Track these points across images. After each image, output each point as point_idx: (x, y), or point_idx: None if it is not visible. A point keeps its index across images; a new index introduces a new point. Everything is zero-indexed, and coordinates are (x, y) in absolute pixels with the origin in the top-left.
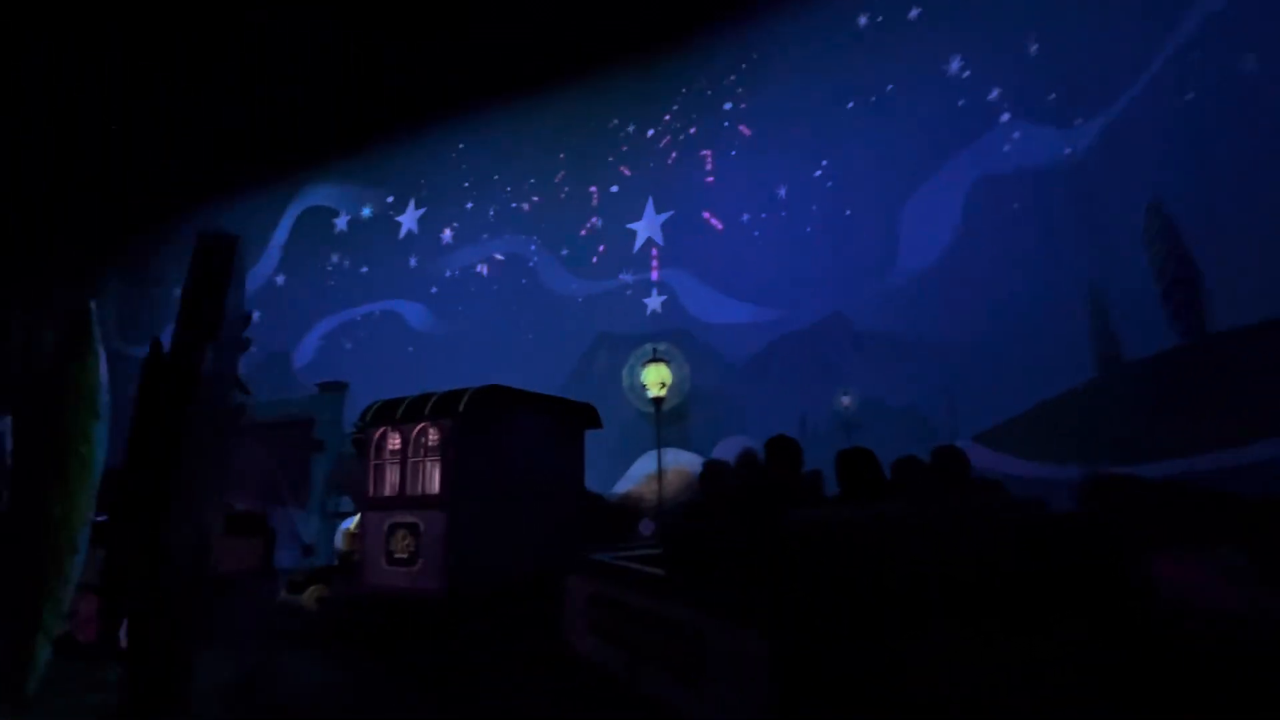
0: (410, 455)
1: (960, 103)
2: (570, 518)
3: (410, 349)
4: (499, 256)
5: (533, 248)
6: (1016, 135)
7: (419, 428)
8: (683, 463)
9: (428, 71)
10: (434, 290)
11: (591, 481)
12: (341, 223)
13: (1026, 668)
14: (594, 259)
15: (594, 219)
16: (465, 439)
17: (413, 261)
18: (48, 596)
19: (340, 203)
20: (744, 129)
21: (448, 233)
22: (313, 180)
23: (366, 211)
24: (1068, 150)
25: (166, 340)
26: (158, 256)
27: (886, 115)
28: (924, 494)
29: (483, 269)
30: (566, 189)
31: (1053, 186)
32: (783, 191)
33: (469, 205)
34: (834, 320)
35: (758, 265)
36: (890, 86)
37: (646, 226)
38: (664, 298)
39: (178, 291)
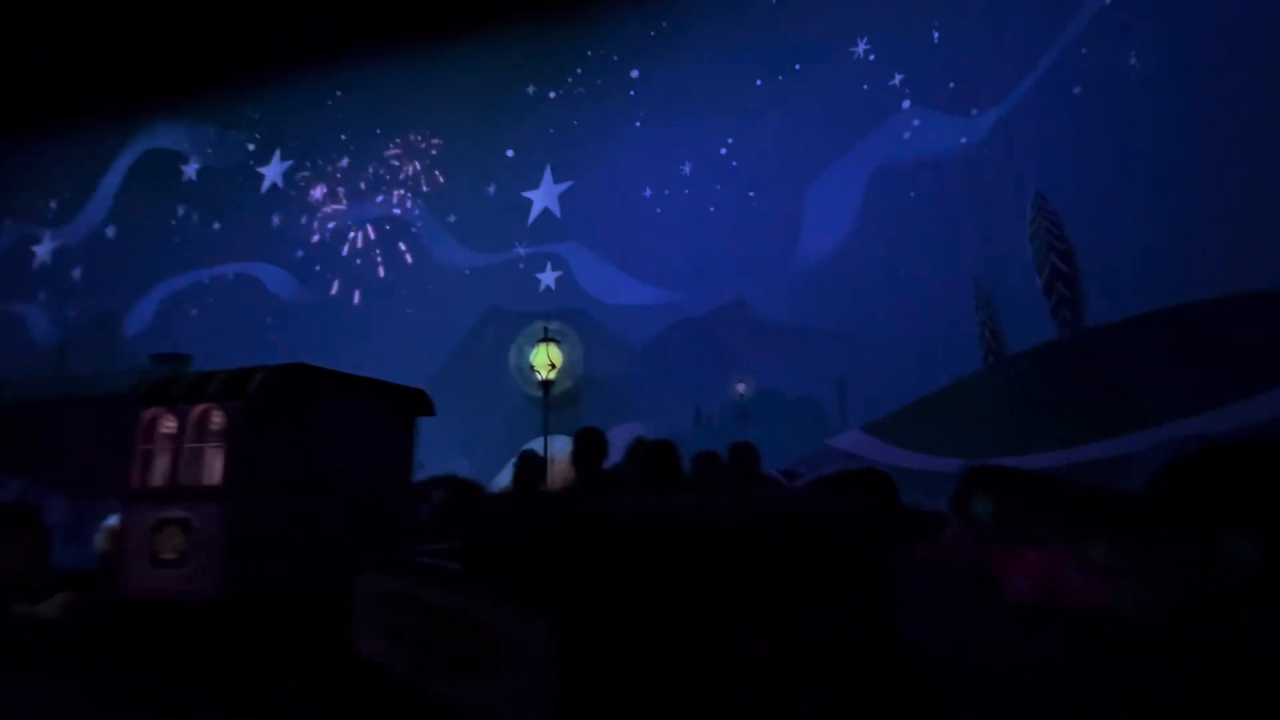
0: (187, 440)
1: (865, 86)
2: (398, 513)
3: (269, 319)
4: (377, 219)
5: (417, 212)
6: (916, 123)
7: (200, 410)
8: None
9: (304, 4)
10: (300, 254)
11: (472, 470)
12: (191, 170)
13: (790, 658)
14: (484, 228)
15: (487, 185)
16: (257, 424)
17: (276, 220)
18: None
19: (191, 146)
20: (650, 99)
21: (319, 190)
22: (159, 117)
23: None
24: (963, 140)
25: None
26: None
27: (793, 95)
28: (718, 486)
29: (357, 233)
30: (457, 150)
31: (947, 176)
32: (687, 168)
33: (344, 161)
34: (734, 306)
35: (659, 244)
36: (798, 65)
37: (543, 196)
38: (559, 273)
39: None
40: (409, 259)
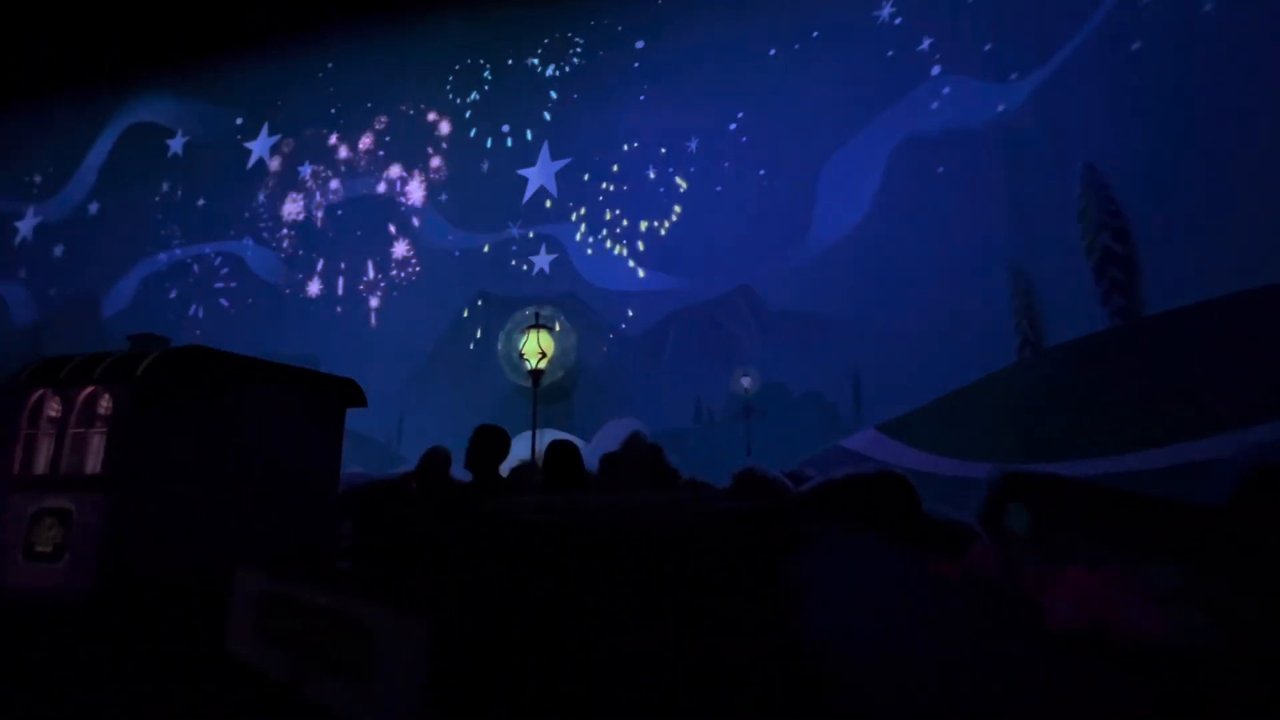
0: (72, 425)
1: (889, 53)
2: (322, 506)
3: (250, 300)
4: (364, 197)
5: (407, 190)
6: (946, 91)
7: (88, 392)
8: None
9: None
10: (284, 232)
11: (457, 465)
12: (177, 144)
13: (671, 658)
14: (477, 208)
15: (481, 162)
16: (146, 409)
17: (261, 197)
18: None
19: (177, 120)
20: (655, 72)
21: (306, 166)
22: (146, 89)
23: (205, 133)
24: (1000, 108)
25: None
26: None
27: (810, 65)
28: (622, 487)
29: (343, 212)
30: (451, 126)
31: (980, 149)
32: (693, 144)
33: (333, 136)
34: (740, 294)
35: (660, 227)
36: (816, 33)
37: (539, 174)
38: (553, 256)
39: None
40: (397, 240)
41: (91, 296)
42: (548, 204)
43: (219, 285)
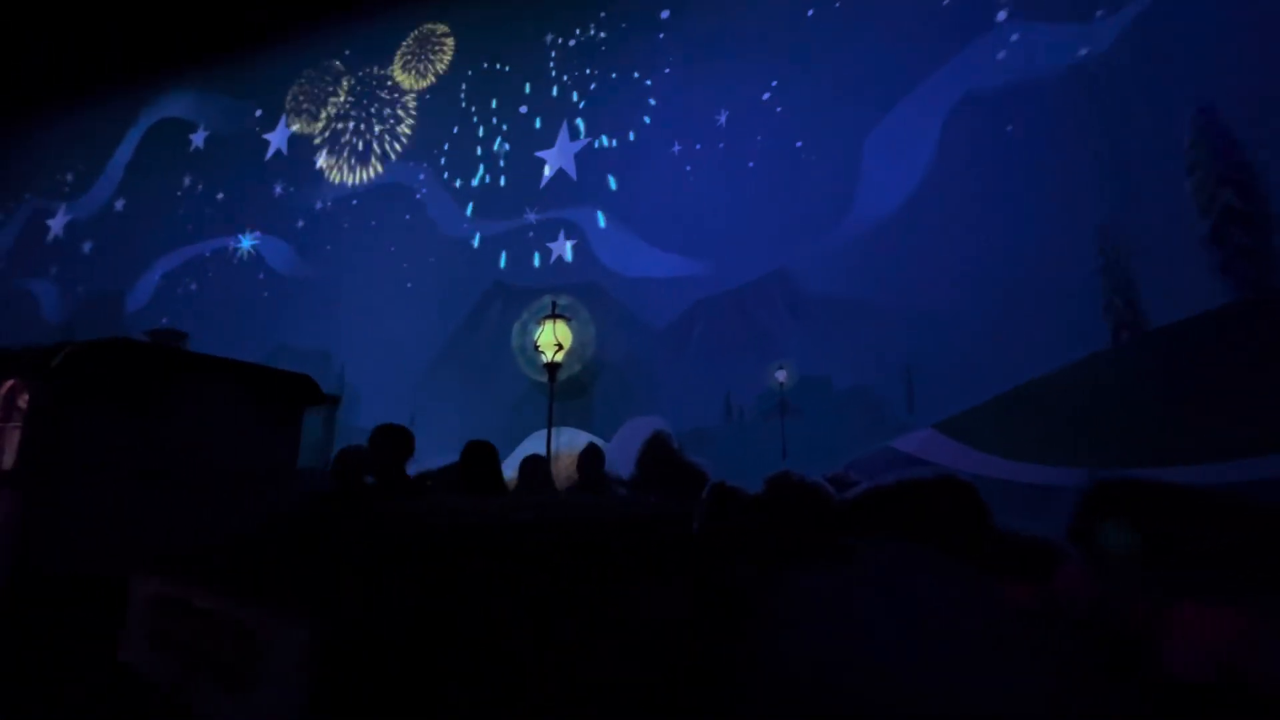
0: None
1: (944, 1)
2: (274, 507)
3: (266, 294)
4: (379, 185)
5: (421, 176)
6: (1015, 38)
7: (9, 386)
8: (581, 446)
9: None
10: (300, 224)
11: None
12: (198, 139)
13: (568, 664)
14: (493, 193)
15: (496, 145)
16: (64, 404)
17: (278, 189)
18: None
19: (199, 114)
20: (681, 42)
21: (321, 155)
22: (171, 84)
23: (227, 126)
24: (1082, 52)
25: None
26: None
27: (853, 23)
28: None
29: (359, 201)
30: (466, 108)
31: (1058, 102)
32: (723, 118)
33: (350, 123)
34: (774, 279)
35: (687, 207)
36: None
37: (558, 156)
38: (573, 241)
39: None
40: (411, 229)
41: (118, 292)
42: (566, 187)
43: (236, 279)
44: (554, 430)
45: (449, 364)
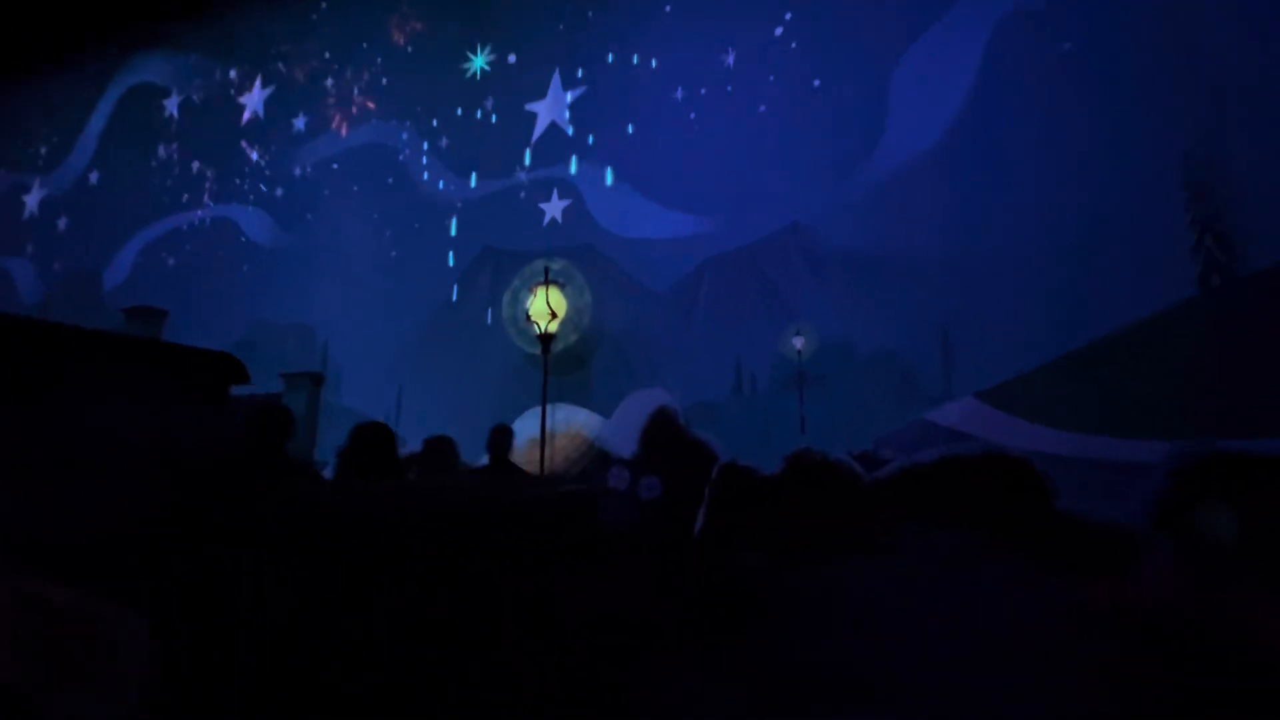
0: None
1: None
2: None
3: (245, 267)
4: (361, 146)
5: (405, 136)
6: None
7: None
8: (579, 424)
9: None
10: (279, 192)
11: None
12: (172, 105)
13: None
14: (481, 151)
15: (484, 99)
16: None
17: (255, 155)
18: None
19: (173, 79)
20: None
21: (300, 119)
22: (142, 49)
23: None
24: None
25: None
26: None
27: None
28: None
29: (339, 165)
30: (452, 62)
31: (1131, 12)
32: (731, 58)
33: (328, 82)
34: (789, 234)
35: (692, 159)
36: None
37: (550, 108)
38: (567, 202)
39: None
40: (394, 192)
41: (95, 269)
42: (559, 142)
43: (214, 251)
44: (549, 407)
45: (436, 337)
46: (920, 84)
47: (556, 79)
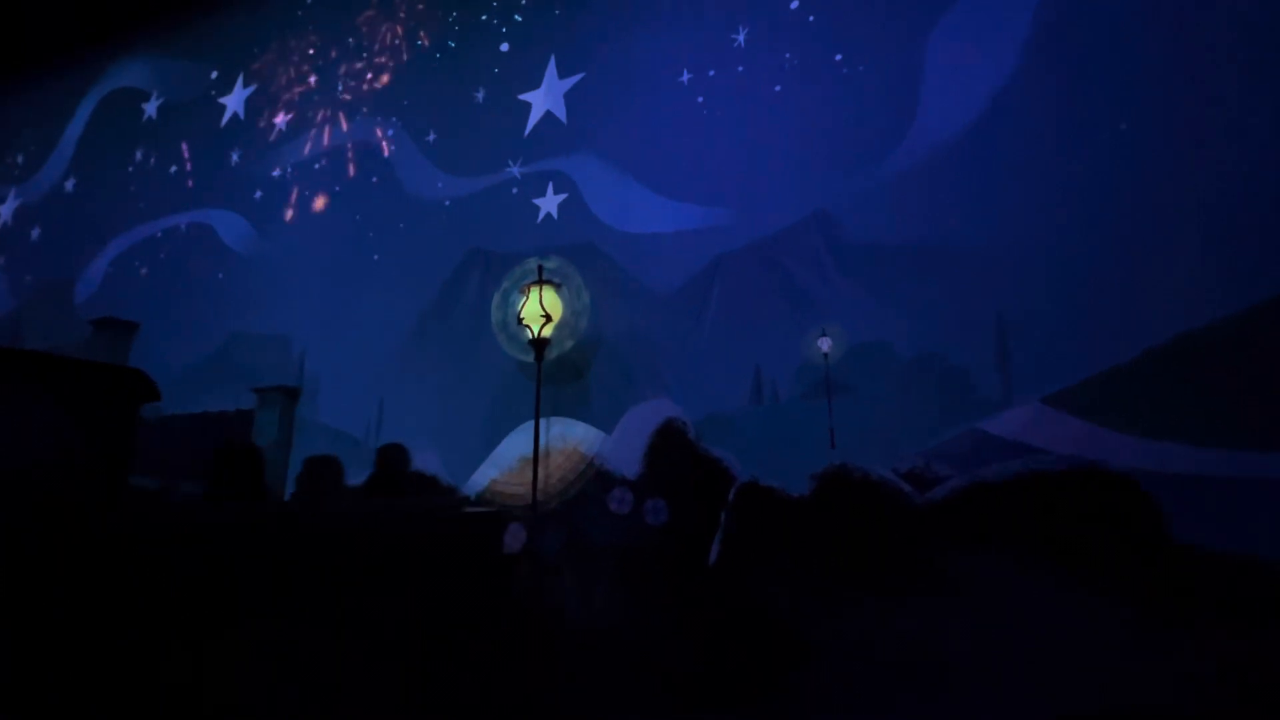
0: None
1: None
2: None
3: (220, 275)
4: (344, 145)
5: (390, 133)
6: None
7: None
8: (576, 440)
9: None
10: (258, 195)
11: (447, 469)
12: (151, 108)
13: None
14: (470, 145)
15: (474, 90)
16: None
17: (235, 157)
18: None
19: (153, 82)
20: None
21: (281, 117)
22: (123, 52)
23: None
24: None
25: None
26: None
27: None
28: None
29: (322, 164)
30: (441, 51)
31: None
32: (742, 36)
33: (312, 79)
34: (812, 224)
35: (701, 146)
36: None
37: (545, 97)
38: (563, 196)
39: None
40: (377, 192)
41: (67, 280)
42: (555, 133)
43: (188, 259)
44: (543, 421)
45: (421, 346)
46: (960, 52)
47: (552, 66)
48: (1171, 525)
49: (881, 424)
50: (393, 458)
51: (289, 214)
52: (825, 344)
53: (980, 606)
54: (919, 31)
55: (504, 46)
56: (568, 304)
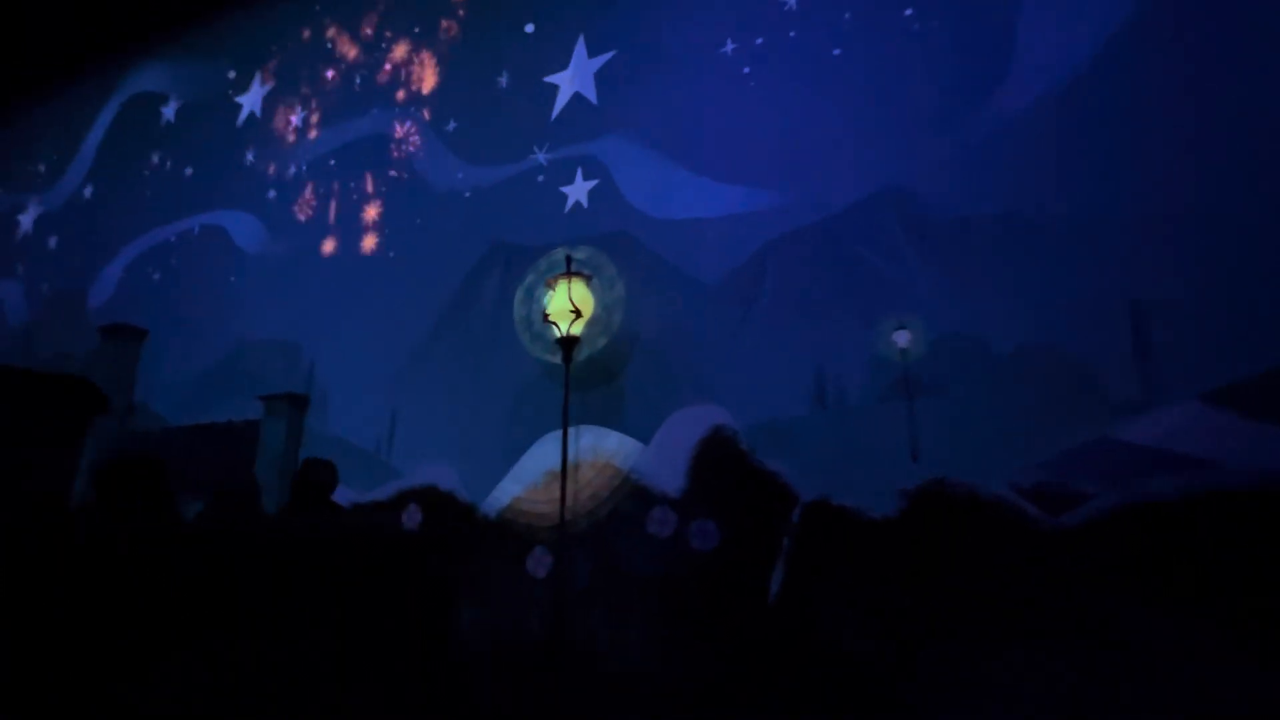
0: None
1: None
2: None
3: (232, 279)
4: (361, 139)
5: (409, 124)
6: None
7: None
8: (608, 451)
9: None
10: (272, 194)
11: (464, 481)
12: (169, 111)
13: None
14: (493, 133)
15: (498, 74)
16: None
17: (250, 156)
18: None
19: (171, 84)
20: None
21: (297, 114)
22: (142, 55)
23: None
24: None
25: None
26: None
27: None
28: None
29: (336, 161)
30: (463, 35)
31: None
32: None
33: (329, 73)
34: (883, 201)
35: (748, 121)
36: None
37: (573, 78)
38: (593, 182)
39: None
40: (393, 186)
41: (82, 288)
42: (584, 115)
43: (200, 263)
44: (572, 430)
45: (438, 349)
46: None
47: (580, 45)
48: None
49: (978, 431)
50: (316, 474)
51: (302, 213)
52: (903, 338)
53: (1136, 664)
54: None
55: (529, 27)
56: (599, 298)
